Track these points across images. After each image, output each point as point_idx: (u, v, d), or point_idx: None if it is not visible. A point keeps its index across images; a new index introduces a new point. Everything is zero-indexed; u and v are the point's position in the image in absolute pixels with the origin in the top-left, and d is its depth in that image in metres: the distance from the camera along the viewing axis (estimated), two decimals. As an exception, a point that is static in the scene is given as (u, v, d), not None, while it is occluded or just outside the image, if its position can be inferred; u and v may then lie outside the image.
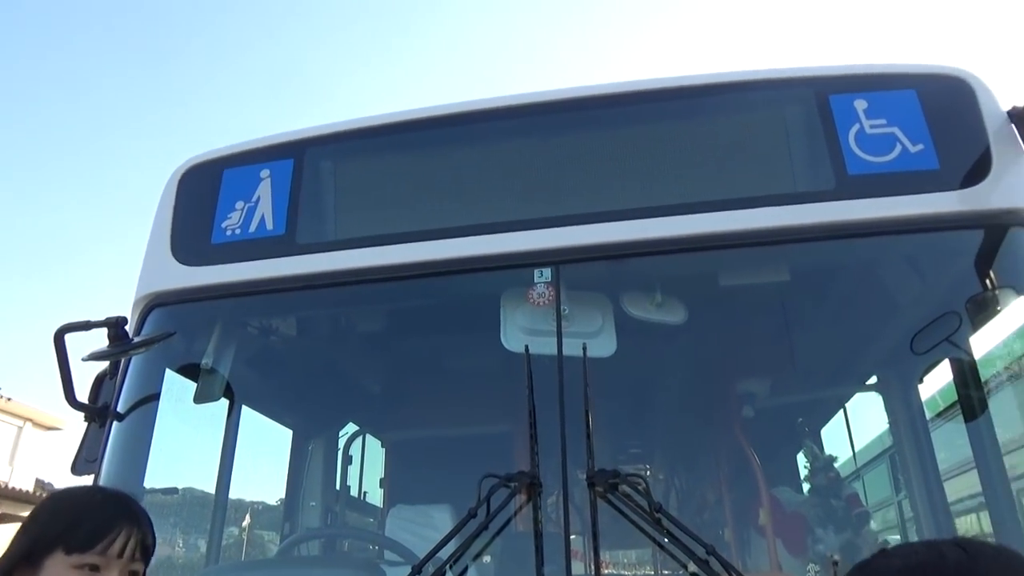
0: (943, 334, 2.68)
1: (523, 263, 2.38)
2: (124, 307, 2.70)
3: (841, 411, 4.30)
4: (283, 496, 4.26)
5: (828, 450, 3.90)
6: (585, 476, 1.97)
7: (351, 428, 4.61)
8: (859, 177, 2.34)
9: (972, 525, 3.48)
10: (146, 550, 1.64)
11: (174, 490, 3.17)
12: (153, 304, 2.66)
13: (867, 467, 5.32)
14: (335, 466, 4.46)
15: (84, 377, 2.62)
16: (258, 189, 2.70)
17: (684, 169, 2.53)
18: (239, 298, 2.62)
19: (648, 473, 4.85)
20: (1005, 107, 2.41)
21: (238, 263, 2.57)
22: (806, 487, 3.79)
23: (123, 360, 2.61)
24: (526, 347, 2.29)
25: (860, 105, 2.44)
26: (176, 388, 2.78)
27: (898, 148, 2.36)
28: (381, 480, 4.70)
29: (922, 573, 1.08)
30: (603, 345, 2.40)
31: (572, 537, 2.15)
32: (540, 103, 2.65)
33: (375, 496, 4.82)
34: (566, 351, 2.23)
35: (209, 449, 3.35)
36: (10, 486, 17.97)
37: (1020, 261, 2.29)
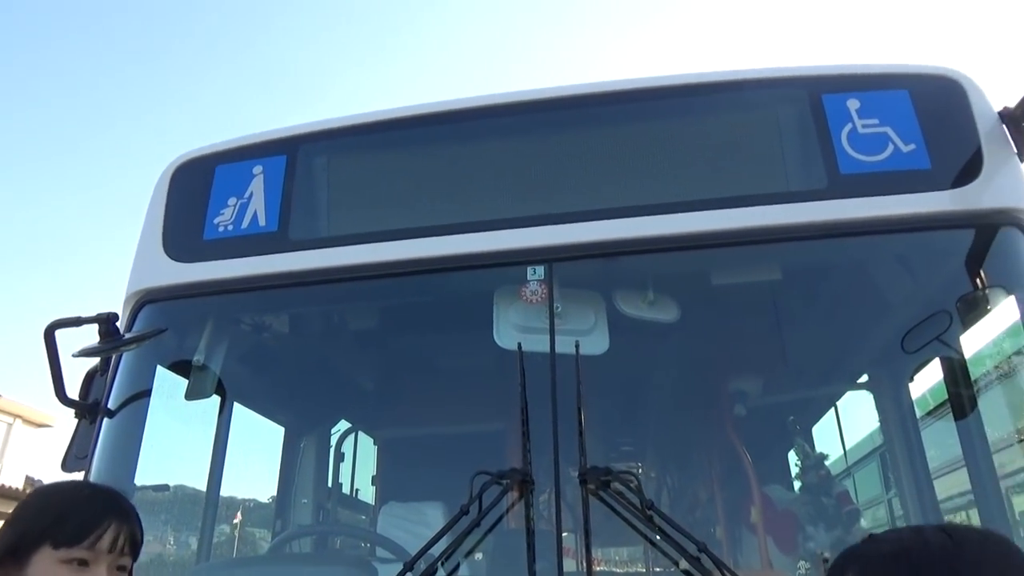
0: (934, 333, 2.69)
1: (516, 260, 2.38)
2: (116, 304, 2.69)
3: (832, 409, 4.32)
4: (275, 493, 4.25)
5: (819, 448, 3.92)
6: (577, 474, 1.98)
7: (343, 425, 4.61)
8: (851, 176, 2.34)
9: (961, 522, 3.50)
10: (134, 545, 1.64)
11: (165, 487, 3.16)
12: (144, 300, 2.64)
13: (858, 465, 5.35)
14: (327, 463, 4.46)
15: (75, 373, 2.61)
16: (251, 185, 2.69)
17: (677, 167, 2.54)
18: (231, 294, 2.61)
19: (640, 471, 4.86)
20: (996, 108, 2.42)
21: (230, 259, 2.56)
22: (797, 485, 3.81)
23: (114, 356, 2.60)
24: (519, 345, 2.30)
25: (853, 105, 2.45)
26: (167, 385, 2.77)
27: (890, 148, 2.37)
28: (373, 477, 4.69)
29: (906, 557, 1.11)
30: (596, 343, 2.41)
31: (564, 534, 2.15)
32: (534, 101, 2.65)
33: (367, 494, 4.82)
34: (559, 349, 2.23)
35: (200, 446, 3.35)
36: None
37: (1010, 261, 2.30)
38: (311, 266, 2.50)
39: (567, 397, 2.10)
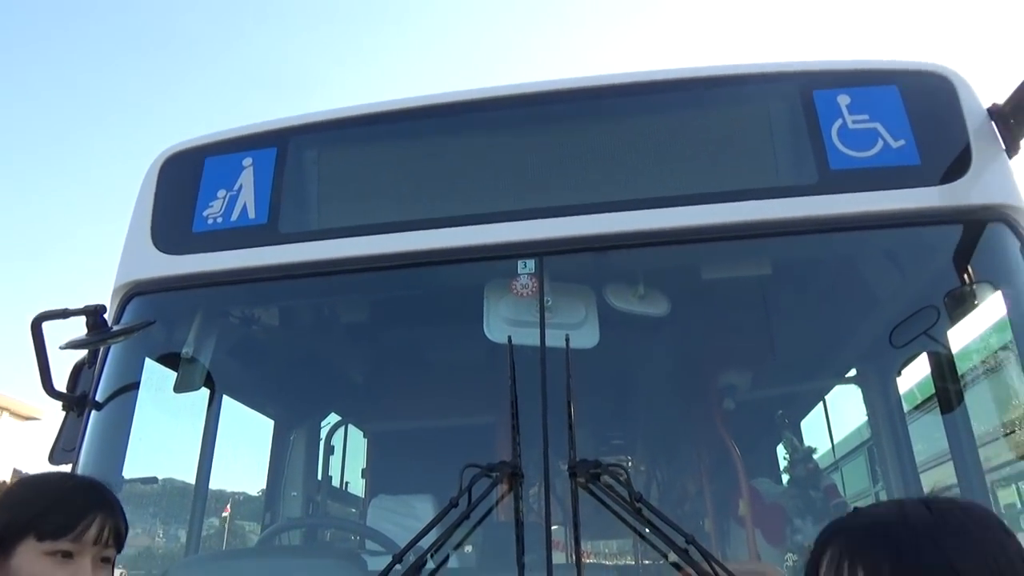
0: (921, 328, 2.71)
1: (507, 254, 2.38)
2: (103, 296, 2.68)
3: (821, 404, 4.35)
4: (264, 486, 4.25)
5: (807, 442, 3.95)
6: (567, 466, 1.98)
7: (333, 418, 4.60)
8: (841, 172, 2.35)
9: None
10: (119, 537, 1.63)
11: (153, 479, 3.15)
12: (133, 293, 2.63)
13: (845, 459, 5.39)
14: (317, 456, 4.45)
15: (62, 366, 2.60)
16: (240, 177, 2.67)
17: (668, 162, 2.54)
18: (220, 287, 2.59)
19: (630, 464, 4.88)
20: (986, 104, 2.44)
21: (219, 252, 2.55)
22: (785, 478, 3.84)
23: (102, 349, 2.59)
24: (509, 338, 2.30)
25: (843, 100, 2.46)
26: (156, 377, 2.76)
27: (880, 143, 2.38)
28: (363, 470, 4.69)
29: (883, 529, 1.14)
30: (586, 336, 2.41)
31: (553, 527, 2.16)
32: (524, 95, 2.64)
33: (357, 487, 4.82)
34: (549, 342, 2.23)
35: (189, 439, 3.34)
36: (-14, 476, 17.77)
37: (998, 256, 2.32)
38: (301, 259, 2.49)
39: (557, 390, 2.10)
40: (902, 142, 2.37)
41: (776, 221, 2.32)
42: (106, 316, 2.54)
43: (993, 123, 2.39)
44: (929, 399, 3.37)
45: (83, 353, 2.62)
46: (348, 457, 4.69)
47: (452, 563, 2.11)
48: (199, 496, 3.36)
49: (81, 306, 2.49)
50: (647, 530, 1.91)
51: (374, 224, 2.50)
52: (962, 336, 2.90)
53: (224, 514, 5.17)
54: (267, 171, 2.66)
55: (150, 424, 2.78)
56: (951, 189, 2.30)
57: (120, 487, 2.56)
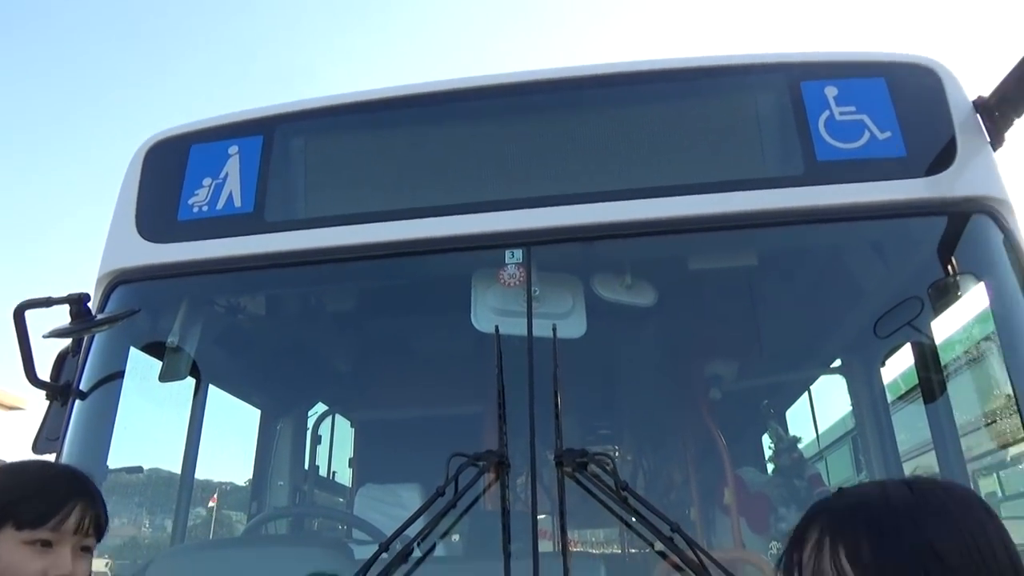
0: (905, 319, 2.73)
1: (494, 244, 2.37)
2: (87, 285, 2.65)
3: (806, 394, 4.38)
4: (251, 476, 4.24)
5: (792, 432, 3.98)
6: (553, 455, 1.99)
7: (320, 408, 4.60)
8: (828, 163, 2.36)
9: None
10: (99, 526, 1.62)
11: (139, 469, 3.13)
12: (117, 281, 2.61)
13: (830, 448, 5.45)
14: (304, 446, 4.45)
15: (46, 355, 2.57)
16: (226, 166, 2.65)
17: (656, 152, 2.54)
18: (206, 276, 2.58)
19: (617, 454, 4.91)
20: (971, 97, 2.45)
21: (205, 240, 2.53)
22: (770, 468, 3.86)
23: (86, 338, 2.57)
24: (496, 328, 2.30)
25: (830, 92, 2.46)
26: (141, 366, 2.74)
27: (867, 135, 2.39)
28: (350, 460, 4.70)
29: (865, 510, 1.15)
30: (573, 326, 2.42)
31: (540, 516, 2.17)
32: (513, 84, 2.63)
33: (344, 476, 4.82)
34: (536, 332, 2.23)
35: (175, 428, 3.32)
36: (-30, 466, 17.60)
37: (981, 248, 2.34)
38: (287, 248, 2.47)
39: (544, 380, 2.11)
40: (888, 134, 2.38)
41: (763, 212, 2.32)
42: (90, 305, 2.52)
43: (978, 115, 2.41)
44: (912, 389, 3.40)
45: (67, 342, 2.60)
46: (335, 446, 4.69)
47: (439, 551, 2.11)
48: (185, 486, 3.35)
49: (64, 294, 2.47)
50: (633, 519, 1.93)
51: (361, 213, 2.49)
52: (945, 327, 2.93)
53: (211, 504, 5.16)
54: (253, 159, 2.64)
55: (135, 413, 2.77)
56: (936, 181, 2.32)
57: (105, 477, 2.55)
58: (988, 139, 2.38)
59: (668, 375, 3.53)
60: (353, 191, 2.65)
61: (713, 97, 2.61)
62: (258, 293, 3.00)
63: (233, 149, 2.67)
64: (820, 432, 4.66)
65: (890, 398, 3.56)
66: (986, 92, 2.40)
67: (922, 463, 3.48)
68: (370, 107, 2.70)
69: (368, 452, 4.62)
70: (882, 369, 3.48)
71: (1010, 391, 2.29)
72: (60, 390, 2.52)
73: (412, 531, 1.94)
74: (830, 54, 2.60)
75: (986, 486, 5.35)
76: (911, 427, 3.53)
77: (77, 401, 2.49)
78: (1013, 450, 4.58)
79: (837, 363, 3.74)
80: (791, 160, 2.41)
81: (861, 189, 2.31)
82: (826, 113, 2.43)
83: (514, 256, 2.36)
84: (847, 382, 3.69)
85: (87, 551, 1.61)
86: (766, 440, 4.22)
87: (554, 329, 2.26)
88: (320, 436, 4.57)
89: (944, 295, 2.52)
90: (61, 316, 2.48)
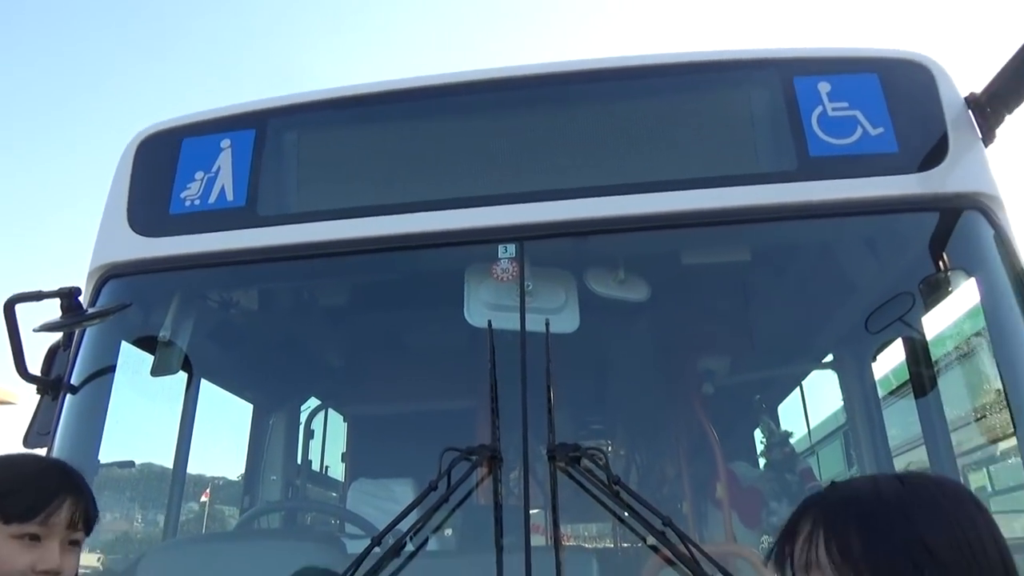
0: (897, 314, 2.75)
1: (488, 239, 2.37)
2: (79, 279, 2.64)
3: (798, 389, 4.40)
4: (243, 471, 4.24)
5: (784, 426, 4.00)
6: (546, 450, 1.99)
7: (313, 402, 4.59)
8: (820, 159, 2.36)
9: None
10: (88, 520, 1.62)
11: (131, 464, 3.13)
12: (109, 275, 2.59)
13: (822, 443, 5.47)
14: (296, 441, 4.45)
15: (37, 349, 2.56)
16: (218, 159, 2.64)
17: (648, 148, 2.54)
18: (198, 270, 2.57)
19: (609, 448, 4.92)
20: (963, 93, 2.46)
21: (197, 234, 2.52)
22: (762, 462, 3.88)
23: (77, 332, 2.55)
24: (489, 322, 2.30)
25: (823, 88, 2.46)
26: (132, 361, 2.74)
27: (859, 131, 2.39)
28: (343, 454, 4.70)
29: (856, 504, 1.16)
30: (566, 321, 2.42)
31: (533, 511, 2.17)
32: (506, 79, 2.63)
33: (337, 471, 4.82)
34: (529, 327, 2.23)
35: (167, 423, 3.32)
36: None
37: (972, 244, 2.35)
38: (279, 242, 2.47)
39: (537, 375, 2.11)
40: (881, 130, 2.39)
41: (756, 207, 2.33)
42: (81, 299, 2.51)
43: (970, 112, 2.41)
44: (903, 384, 3.42)
45: (58, 336, 2.59)
46: (328, 441, 4.69)
47: (431, 546, 2.11)
48: (177, 480, 3.34)
49: (55, 288, 2.45)
50: (625, 513, 1.93)
51: (354, 207, 2.48)
52: (936, 322, 2.94)
53: (203, 499, 5.15)
54: (245, 153, 2.63)
55: (127, 408, 2.76)
56: (928, 177, 2.32)
57: (96, 471, 2.54)
58: (980, 135, 2.39)
59: (661, 370, 3.54)
60: (346, 185, 2.64)
61: (706, 92, 2.61)
62: (250, 287, 2.99)
63: (225, 143, 2.66)
64: (812, 427, 4.68)
65: (881, 393, 3.57)
66: (978, 89, 2.41)
67: (912, 458, 3.50)
68: (363, 101, 2.69)
69: (361, 447, 4.62)
70: (873, 364, 3.50)
71: (1000, 386, 2.30)
72: (51, 384, 2.51)
73: (404, 525, 1.94)
74: (823, 50, 2.60)
75: (976, 481, 5.38)
76: (902, 422, 3.55)
77: (68, 395, 2.48)
78: (1003, 445, 4.61)
79: (829, 358, 3.75)
80: (784, 156, 2.41)
81: (853, 185, 2.32)
82: (819, 109, 2.43)
83: (507, 251, 2.35)
84: (839, 377, 3.70)
85: (75, 545, 1.61)
86: (758, 435, 4.24)
87: (547, 324, 2.26)
88: (313, 431, 4.57)
89: (935, 291, 2.53)
90: (52, 310, 2.47)
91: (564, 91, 2.61)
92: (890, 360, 3.47)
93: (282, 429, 4.34)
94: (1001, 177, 2.36)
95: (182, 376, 3.17)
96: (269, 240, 2.47)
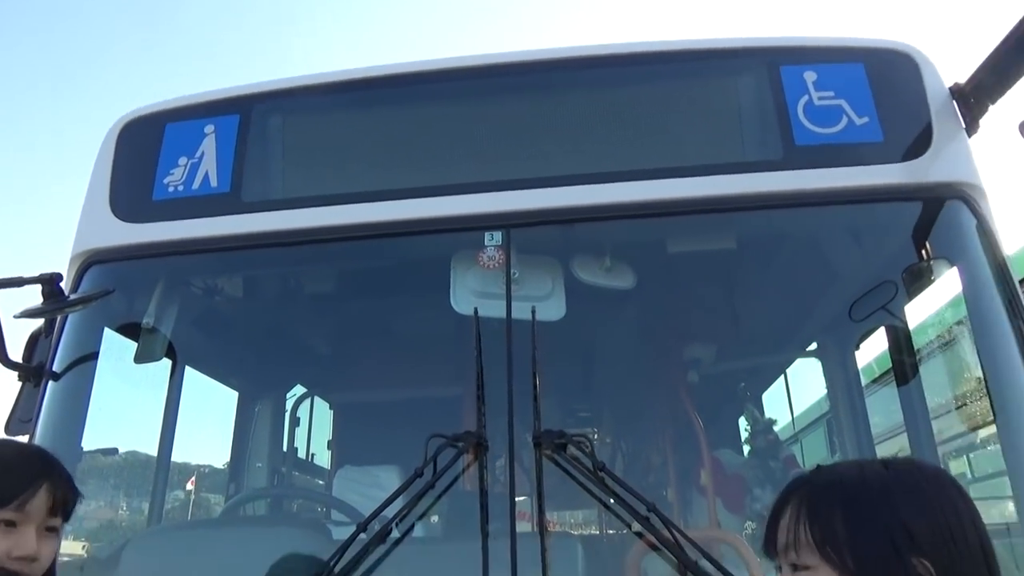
0: (880, 303, 2.77)
1: (474, 226, 2.37)
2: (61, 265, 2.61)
3: (782, 377, 4.44)
4: (228, 458, 4.23)
5: (768, 414, 4.03)
6: (531, 437, 2.00)
7: (299, 390, 4.58)
8: (806, 148, 2.37)
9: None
10: (66, 506, 1.61)
11: (114, 450, 3.11)
12: (91, 261, 2.57)
13: (805, 431, 5.53)
14: (282, 428, 4.44)
15: (18, 336, 2.54)
16: (202, 145, 2.61)
17: (635, 136, 2.54)
18: (181, 256, 2.55)
19: (596, 436, 4.95)
20: (948, 83, 2.47)
21: (180, 220, 2.49)
22: (746, 449, 3.92)
23: (59, 318, 2.53)
24: (475, 310, 2.30)
25: (809, 77, 2.47)
26: (116, 348, 2.71)
27: (844, 120, 2.40)
28: (329, 442, 4.69)
29: (841, 486, 1.19)
30: (552, 309, 2.42)
31: (519, 498, 2.18)
32: (493, 66, 2.62)
33: (323, 458, 4.82)
34: (515, 314, 2.23)
35: (151, 411, 3.30)
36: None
37: (954, 233, 2.37)
38: (264, 228, 2.45)
39: (523, 362, 2.11)
40: (866, 119, 2.40)
41: (741, 196, 2.33)
42: (63, 285, 2.48)
43: (954, 102, 2.43)
44: (886, 373, 3.45)
45: (39, 322, 2.57)
46: (314, 429, 4.68)
47: (417, 532, 2.12)
48: (161, 468, 3.33)
49: (36, 274, 2.43)
50: (610, 499, 1.94)
51: (339, 194, 2.47)
52: (919, 311, 2.97)
53: (189, 487, 5.14)
54: (229, 139, 2.61)
55: (111, 395, 2.74)
56: (912, 166, 2.34)
57: (80, 458, 2.52)
58: (963, 125, 2.41)
59: (647, 358, 3.55)
60: (331, 172, 2.62)
61: (693, 81, 2.61)
62: (235, 274, 2.97)
63: (209, 128, 2.63)
64: (796, 415, 4.73)
65: (864, 381, 3.61)
66: (962, 79, 2.42)
67: (894, 446, 3.54)
68: (349, 87, 2.67)
69: (347, 434, 4.61)
70: (857, 353, 3.53)
71: (980, 374, 2.33)
72: (33, 371, 2.49)
73: (390, 512, 1.95)
74: (810, 39, 2.60)
75: (956, 468, 5.46)
76: (884, 410, 3.59)
77: (50, 382, 2.46)
78: (983, 432, 4.68)
79: (813, 346, 3.79)
80: (770, 144, 2.42)
81: (838, 174, 2.33)
82: (805, 98, 2.44)
83: (493, 238, 2.35)
84: (822, 365, 3.74)
85: (53, 532, 1.59)
86: (743, 422, 4.28)
87: (533, 311, 2.26)
88: (299, 418, 4.57)
89: (918, 280, 2.55)
90: (34, 296, 2.45)
91: (551, 79, 2.61)
92: (873, 348, 3.51)
93: (268, 417, 4.33)
94: (984, 167, 2.38)
95: (166, 363, 3.15)
96: (254, 226, 2.45)
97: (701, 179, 2.35)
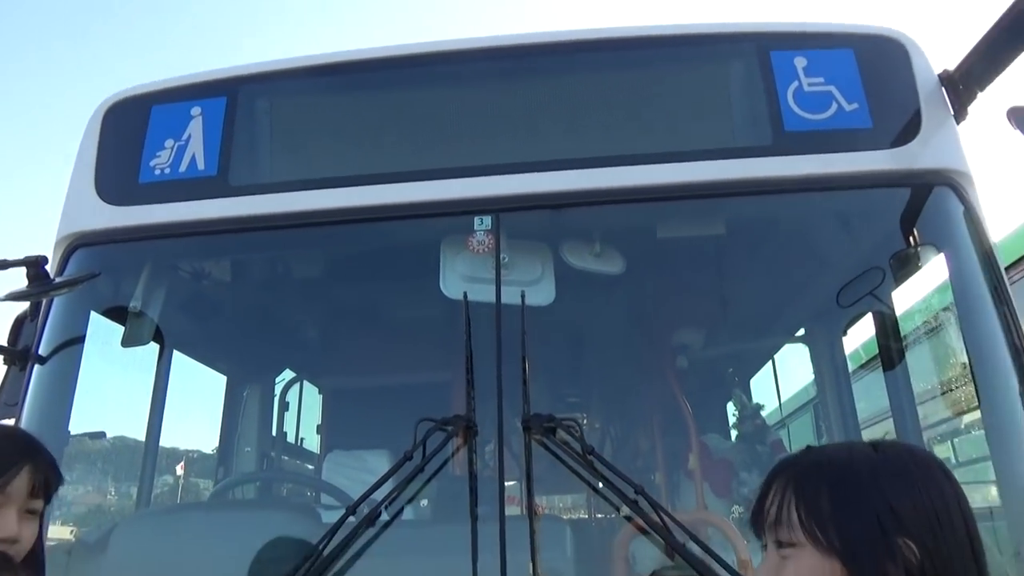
0: (867, 289, 2.78)
1: (463, 210, 2.36)
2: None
3: (770, 362, 4.47)
4: (217, 443, 4.22)
5: (756, 400, 4.06)
6: (520, 421, 2.00)
7: (288, 375, 4.57)
8: (795, 134, 2.38)
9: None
10: (47, 489, 1.60)
11: (101, 434, 3.10)
12: (77, 244, 2.54)
13: (792, 416, 5.57)
14: (271, 412, 4.43)
15: (2, 319, 2.52)
16: (189, 127, 2.59)
17: (625, 121, 2.53)
18: (168, 240, 2.53)
19: (585, 421, 4.97)
20: (937, 70, 2.48)
21: (167, 203, 2.47)
22: (734, 434, 3.95)
23: (44, 301, 2.51)
24: (464, 294, 2.30)
25: (799, 63, 2.47)
26: (103, 331, 2.69)
27: (834, 106, 2.41)
28: (318, 427, 4.69)
29: (829, 467, 1.21)
30: (542, 293, 2.42)
31: (508, 483, 2.19)
32: (483, 49, 2.60)
33: (312, 443, 4.82)
34: (505, 299, 2.23)
35: (140, 395, 3.29)
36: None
37: (942, 219, 2.38)
38: (252, 212, 2.43)
39: (512, 347, 2.12)
40: (855, 105, 2.40)
41: (731, 181, 2.34)
42: (48, 268, 2.46)
43: (943, 89, 2.43)
44: (873, 359, 3.48)
45: (25, 306, 2.55)
46: (303, 413, 4.68)
47: (406, 515, 2.13)
48: (150, 452, 3.32)
49: (21, 257, 2.41)
50: (599, 483, 1.96)
51: (328, 178, 2.45)
52: (906, 298, 2.99)
53: (178, 472, 5.13)
54: (217, 121, 2.58)
55: (98, 379, 2.73)
56: (901, 153, 2.35)
57: (66, 442, 2.51)
58: (952, 112, 2.41)
59: (636, 343, 3.57)
60: (319, 155, 2.61)
61: (683, 66, 2.61)
62: (223, 257, 2.95)
63: (196, 110, 2.60)
64: (783, 400, 4.77)
65: (851, 367, 3.64)
66: (951, 66, 2.42)
67: (880, 431, 3.57)
68: (337, 70, 2.65)
69: (336, 419, 4.61)
70: (844, 339, 3.55)
71: (966, 361, 2.35)
72: (18, 355, 2.47)
73: (379, 495, 1.95)
74: (800, 25, 2.60)
75: (941, 452, 5.52)
76: (870, 395, 3.62)
77: (36, 366, 2.45)
78: (967, 418, 4.73)
79: (800, 332, 3.81)
80: (759, 130, 2.42)
81: (828, 160, 2.33)
82: (795, 84, 2.44)
83: (483, 223, 2.35)
84: (810, 351, 3.76)
85: (34, 514, 1.59)
86: (730, 407, 4.30)
87: (522, 296, 2.26)
88: (288, 403, 4.56)
89: (905, 266, 2.56)
90: (18, 279, 2.42)
91: (540, 63, 2.59)
92: (860, 334, 3.53)
93: (256, 401, 4.32)
94: (972, 154, 2.39)
95: (154, 347, 3.14)
96: (241, 210, 2.44)
97: (691, 164, 2.34)
